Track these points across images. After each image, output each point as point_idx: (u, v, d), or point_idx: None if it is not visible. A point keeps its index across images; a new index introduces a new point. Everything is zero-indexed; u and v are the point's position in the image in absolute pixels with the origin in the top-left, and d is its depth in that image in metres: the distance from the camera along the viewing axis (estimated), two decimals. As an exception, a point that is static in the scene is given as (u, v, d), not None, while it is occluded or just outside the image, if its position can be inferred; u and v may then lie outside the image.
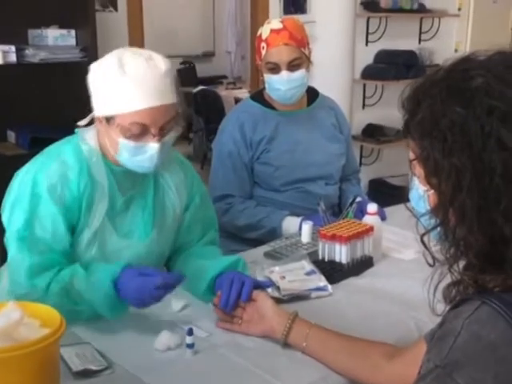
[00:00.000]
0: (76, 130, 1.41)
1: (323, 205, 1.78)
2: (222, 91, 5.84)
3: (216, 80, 6.66)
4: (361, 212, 1.84)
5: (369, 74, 4.30)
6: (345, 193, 2.16)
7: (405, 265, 1.70)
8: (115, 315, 1.29)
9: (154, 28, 5.50)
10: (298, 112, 2.07)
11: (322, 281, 1.50)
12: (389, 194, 4.04)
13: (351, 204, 1.81)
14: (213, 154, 2.13)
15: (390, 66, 4.22)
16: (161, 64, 1.32)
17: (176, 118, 1.36)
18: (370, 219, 1.67)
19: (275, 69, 1.94)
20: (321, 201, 1.79)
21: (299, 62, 1.93)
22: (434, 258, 0.83)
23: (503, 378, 0.71)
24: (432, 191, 0.83)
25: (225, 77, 7.02)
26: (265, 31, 1.96)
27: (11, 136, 2.91)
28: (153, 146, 1.31)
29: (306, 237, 1.74)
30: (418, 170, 0.84)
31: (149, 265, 1.44)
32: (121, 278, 1.27)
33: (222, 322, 1.33)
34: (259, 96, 2.09)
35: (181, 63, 6.90)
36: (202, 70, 6.96)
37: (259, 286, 1.38)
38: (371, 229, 1.63)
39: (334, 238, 1.58)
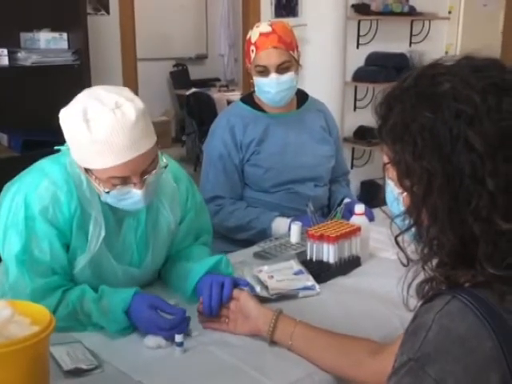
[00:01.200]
0: (63, 148, 1.37)
1: (312, 206, 1.81)
2: (215, 94, 5.87)
3: (209, 82, 6.69)
4: (349, 212, 1.86)
5: (360, 76, 4.33)
6: (334, 194, 2.19)
7: (391, 264, 1.70)
8: (124, 334, 1.31)
9: (146, 31, 5.52)
10: (288, 114, 2.09)
11: (309, 280, 1.52)
12: (381, 195, 4.08)
13: (339, 205, 1.83)
14: (203, 156, 2.15)
15: (380, 68, 4.25)
16: (129, 111, 1.22)
17: (157, 157, 1.31)
18: (358, 219, 1.70)
19: (264, 72, 1.96)
20: (309, 202, 1.81)
21: (288, 64, 1.96)
22: (407, 257, 0.86)
23: (473, 369, 0.73)
24: (405, 193, 0.85)
25: (218, 79, 7.04)
26: (254, 35, 1.98)
27: (3, 138, 2.93)
28: (136, 193, 1.28)
29: (294, 237, 1.76)
30: (392, 173, 0.87)
31: (144, 281, 1.47)
32: (131, 307, 1.28)
33: (209, 322, 1.35)
34: (249, 99, 2.11)
35: (173, 66, 6.93)
36: (195, 72, 6.99)
37: (238, 284, 1.39)
38: (358, 229, 1.66)
39: (321, 238, 1.60)
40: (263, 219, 1.99)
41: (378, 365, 1.11)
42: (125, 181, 1.28)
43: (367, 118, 4.61)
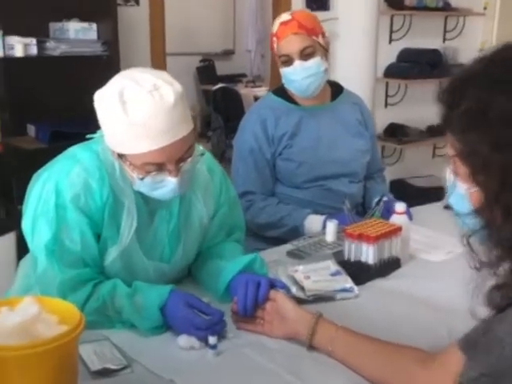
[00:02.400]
0: (95, 136, 1.32)
1: (348, 203, 1.73)
2: (242, 89, 5.80)
3: (235, 78, 6.62)
4: (387, 211, 1.79)
5: (392, 72, 4.22)
6: (369, 191, 2.11)
7: (433, 266, 1.64)
8: (156, 333, 1.25)
9: (174, 24, 5.47)
10: (321, 107, 2.02)
11: (347, 282, 1.44)
12: (411, 195, 3.97)
13: (378, 203, 1.75)
14: (234, 150, 2.08)
15: (413, 64, 4.15)
16: (168, 94, 1.16)
17: (193, 144, 1.24)
18: (398, 219, 1.62)
19: (288, 61, 1.90)
20: (346, 199, 1.73)
21: (311, 50, 1.88)
22: (478, 260, 0.77)
23: None
24: (475, 189, 0.77)
25: (244, 75, 6.97)
26: (275, 26, 1.94)
27: (31, 130, 2.90)
28: (171, 181, 1.22)
29: (330, 236, 1.68)
30: (459, 166, 0.79)
31: (174, 278, 1.41)
32: (167, 304, 1.23)
33: (243, 323, 1.28)
34: (281, 91, 2.04)
35: (200, 61, 6.87)
36: (222, 68, 6.92)
37: (275, 285, 1.32)
38: (399, 229, 1.57)
39: (360, 237, 1.52)
40: (295, 216, 1.92)
41: (428, 375, 1.03)
42: (160, 168, 1.22)
43: (398, 115, 4.51)
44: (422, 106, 4.47)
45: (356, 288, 1.44)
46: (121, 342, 1.21)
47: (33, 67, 2.78)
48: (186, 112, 1.22)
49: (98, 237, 1.30)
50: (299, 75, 1.90)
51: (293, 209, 1.94)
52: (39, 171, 1.34)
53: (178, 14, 6.02)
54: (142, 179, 1.23)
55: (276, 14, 4.15)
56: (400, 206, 1.63)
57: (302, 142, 1.97)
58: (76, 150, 1.33)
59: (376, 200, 1.94)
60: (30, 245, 1.32)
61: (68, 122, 2.73)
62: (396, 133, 4.21)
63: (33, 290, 1.34)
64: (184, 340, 1.20)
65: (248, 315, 1.26)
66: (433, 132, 4.48)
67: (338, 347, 1.15)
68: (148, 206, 1.34)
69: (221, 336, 1.21)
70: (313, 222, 1.88)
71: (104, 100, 1.20)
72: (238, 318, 1.28)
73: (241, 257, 1.43)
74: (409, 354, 1.10)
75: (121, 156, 1.24)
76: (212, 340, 1.17)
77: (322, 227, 1.84)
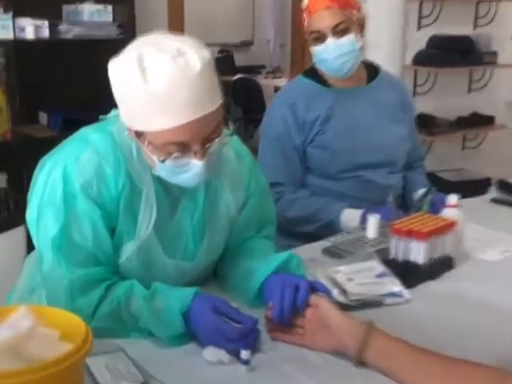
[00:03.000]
0: (111, 114, 1.16)
1: (392, 197, 1.54)
2: (262, 80, 5.63)
3: (254, 69, 6.45)
4: (431, 206, 1.61)
5: (421, 60, 4.01)
6: (410, 183, 1.92)
7: (488, 267, 1.45)
8: (178, 344, 1.08)
9: (193, 15, 5.30)
10: (357, 89, 1.83)
11: (396, 285, 1.26)
12: (441, 190, 3.77)
13: (426, 195, 1.56)
14: (260, 137, 1.90)
15: (443, 51, 3.93)
16: (194, 60, 1.00)
17: (221, 122, 1.08)
18: (451, 212, 1.43)
19: (320, 38, 1.72)
20: (390, 192, 1.55)
21: (345, 25, 1.70)
22: None
23: None
24: None
25: (263, 66, 6.79)
26: (305, 0, 1.76)
27: (43, 117, 2.75)
28: (196, 165, 1.06)
29: (372, 232, 1.49)
30: None
31: (197, 278, 1.24)
32: (192, 309, 1.06)
33: (279, 333, 1.10)
34: (312, 72, 1.85)
35: (218, 52, 6.70)
36: (240, 59, 6.75)
37: (316, 289, 1.14)
38: (452, 224, 1.38)
39: (409, 233, 1.33)
40: (330, 210, 1.73)
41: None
42: (183, 149, 1.05)
43: (428, 105, 4.28)
44: (451, 95, 4.28)
45: (406, 292, 1.25)
46: (137, 355, 1.04)
47: (44, 51, 2.63)
48: (215, 83, 1.05)
49: (111, 231, 1.13)
50: (332, 53, 1.72)
51: (327, 202, 1.76)
52: (46, 156, 1.18)
53: (196, 4, 5.85)
54: (162, 162, 1.05)
55: (296, 3, 3.99)
56: (453, 198, 1.44)
57: (337, 128, 1.79)
58: (87, 132, 1.16)
59: (423, 191, 1.76)
60: (34, 240, 1.15)
61: (81, 109, 2.56)
62: (425, 124, 3.99)
63: (37, 293, 1.18)
64: (211, 353, 1.02)
65: (285, 323, 1.09)
66: (462, 123, 4.27)
67: (396, 364, 0.97)
68: (169, 195, 1.17)
69: (254, 348, 1.03)
70: (350, 216, 1.70)
71: (120, 68, 1.03)
72: (273, 326, 1.10)
73: (274, 255, 1.25)
74: (481, 373, 0.92)
75: (139, 135, 1.07)
76: (245, 354, 1.00)
77: (359, 222, 1.66)
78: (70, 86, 2.73)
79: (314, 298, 1.09)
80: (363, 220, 1.64)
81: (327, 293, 1.14)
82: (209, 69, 1.03)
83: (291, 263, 1.22)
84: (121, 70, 1.03)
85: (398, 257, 1.35)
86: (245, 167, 1.29)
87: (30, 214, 1.14)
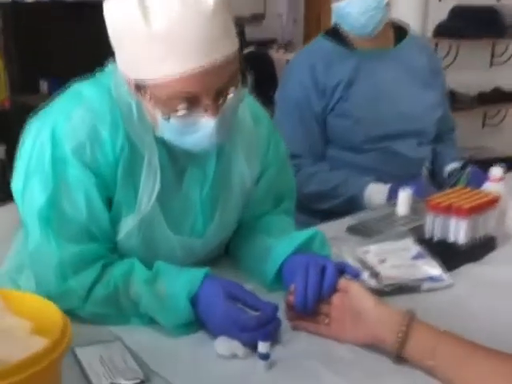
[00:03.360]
0: (107, 67, 1.00)
1: (426, 169, 1.37)
2: (274, 54, 5.43)
3: (265, 43, 6.25)
4: (470, 181, 1.46)
5: (442, 31, 3.81)
6: (440, 157, 1.75)
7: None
8: (184, 333, 0.93)
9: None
10: (383, 51, 1.67)
11: (435, 267, 1.10)
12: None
13: (464, 167, 1.40)
14: (276, 105, 1.74)
15: (467, 23, 3.73)
16: None
17: (238, 72, 0.92)
18: (494, 187, 1.26)
19: None
20: (424, 164, 1.38)
21: None
22: None
23: None
24: None
25: (275, 40, 6.58)
26: None
27: (44, 86, 2.60)
28: (207, 124, 0.90)
29: (403, 208, 1.34)
30: None
31: (206, 257, 1.09)
32: (201, 294, 0.91)
33: (301, 321, 0.95)
34: (333, 33, 1.69)
35: (229, 25, 6.51)
36: (251, 32, 6.53)
37: (345, 271, 0.98)
38: (496, 200, 1.22)
39: (449, 210, 1.17)
40: (353, 184, 1.58)
41: None
42: (192, 103, 0.89)
43: (448, 79, 4.08)
44: (474, 69, 4.07)
45: (446, 276, 1.10)
46: (137, 345, 0.89)
47: (45, 15, 2.46)
48: (230, 24, 0.89)
49: (108, 202, 0.97)
50: (355, 7, 1.55)
51: (349, 176, 1.60)
52: (34, 117, 1.02)
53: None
54: (167, 119, 0.90)
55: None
56: (497, 171, 1.27)
57: (360, 94, 1.62)
58: (80, 86, 1.00)
59: (456, 166, 1.61)
60: (20, 212, 1.00)
61: (85, 77, 2.40)
62: (448, 100, 3.80)
63: (26, 273, 1.03)
64: (223, 345, 0.87)
65: (309, 310, 0.93)
66: (484, 99, 4.08)
67: (443, 361, 0.81)
68: (175, 162, 1.01)
69: (274, 340, 0.88)
70: (375, 191, 1.54)
71: (118, 7, 0.87)
72: (295, 314, 0.95)
73: (295, 233, 1.10)
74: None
75: (139, 88, 0.91)
76: (263, 347, 0.84)
77: (386, 199, 1.50)
78: (73, 51, 2.56)
79: (343, 282, 0.93)
80: (391, 196, 1.49)
81: (358, 276, 0.98)
82: (222, 7, 0.86)
83: (314, 242, 1.06)
84: (118, 10, 0.87)
85: (435, 236, 1.19)
86: (263, 132, 1.12)
87: (16, 183, 0.99)
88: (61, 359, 0.57)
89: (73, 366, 0.84)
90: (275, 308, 0.90)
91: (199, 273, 0.93)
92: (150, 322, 0.94)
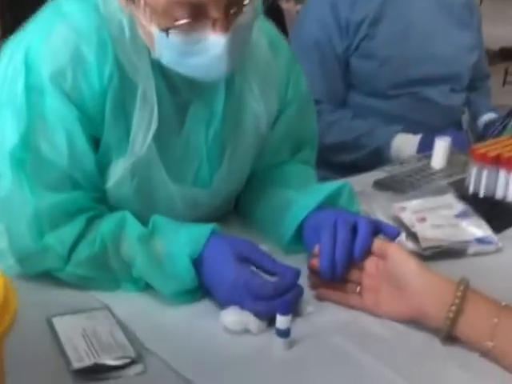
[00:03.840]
0: None
1: (466, 117, 1.20)
2: (284, 4, 5.17)
3: (275, -6, 5.97)
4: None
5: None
6: (474, 106, 1.57)
7: None
8: (186, 302, 0.77)
9: None
10: None
11: (482, 228, 0.93)
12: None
13: (509, 115, 1.22)
14: (292, 45, 1.55)
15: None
16: None
17: None
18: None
19: None
20: (465, 109, 1.20)
21: None
22: None
23: None
24: None
25: (284, -9, 6.29)
26: None
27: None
28: (216, 42, 0.73)
29: (440, 160, 1.16)
30: None
31: (213, 212, 0.92)
32: (206, 256, 0.75)
33: (327, 289, 0.79)
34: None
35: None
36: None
37: (380, 231, 0.81)
38: (552, 151, 1.04)
39: (498, 161, 1.00)
40: (378, 134, 1.41)
41: None
42: (197, 15, 0.71)
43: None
44: (496, 23, 3.83)
45: (495, 238, 0.93)
46: (128, 316, 0.73)
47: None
48: None
49: (95, 142, 0.80)
50: None
51: (374, 125, 1.43)
52: (10, 39, 0.84)
53: None
54: (165, 32, 0.72)
55: None
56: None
57: (388, 31, 1.44)
58: (61, 1, 0.82)
59: (493, 117, 1.45)
60: None
61: None
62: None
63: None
64: (232, 318, 0.71)
65: (337, 277, 0.77)
66: (506, 55, 3.85)
67: (506, 344, 0.66)
68: (176, 95, 0.83)
69: (293, 313, 0.72)
70: (404, 142, 1.37)
71: None
72: (320, 281, 0.79)
73: (318, 185, 0.93)
74: None
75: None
76: (282, 321, 0.68)
77: (416, 150, 1.33)
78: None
79: (379, 243, 0.76)
80: (421, 148, 1.32)
81: (397, 236, 0.81)
82: None
83: (342, 196, 0.89)
84: None
85: (480, 192, 1.02)
86: (281, 63, 0.94)
87: None
88: (2, 341, 0.41)
89: (48, 341, 0.69)
90: (296, 273, 0.73)
91: (205, 229, 0.77)
92: (145, 288, 0.78)
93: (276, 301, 0.70)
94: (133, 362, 0.66)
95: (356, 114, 1.47)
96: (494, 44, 3.79)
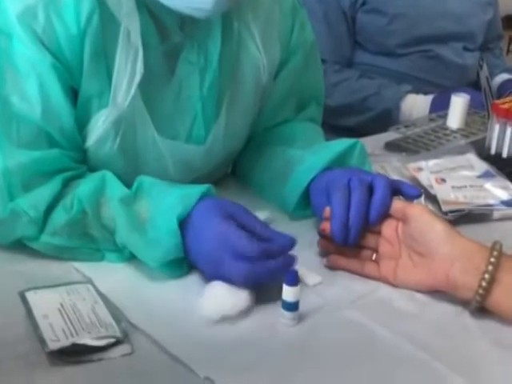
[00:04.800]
0: None
1: (487, 71, 1.10)
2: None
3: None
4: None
5: None
6: (488, 66, 1.47)
7: None
8: (175, 275, 0.68)
9: None
10: None
11: (508, 189, 0.84)
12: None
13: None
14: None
15: None
16: None
17: None
18: None
19: None
20: (484, 64, 1.11)
21: None
22: None
23: None
24: None
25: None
26: None
27: None
28: None
29: (457, 119, 1.07)
30: None
31: (208, 174, 0.83)
32: (192, 219, 0.65)
33: (340, 257, 0.70)
34: None
35: None
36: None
37: (399, 191, 0.72)
38: None
39: (523, 116, 0.90)
40: (387, 95, 1.33)
41: None
42: None
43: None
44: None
45: (522, 200, 0.84)
46: (113, 291, 0.64)
47: None
48: None
49: (73, 92, 0.71)
50: None
51: (382, 85, 1.35)
52: None
53: None
54: None
55: None
56: None
57: (397, -15, 1.33)
58: None
59: (506, 77, 1.36)
60: None
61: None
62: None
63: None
64: (210, 304, 0.61)
65: (351, 242, 0.68)
66: (510, 22, 3.72)
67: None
68: (165, 38, 0.74)
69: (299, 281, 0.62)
70: (415, 103, 1.29)
71: None
72: (331, 246, 0.70)
73: (327, 143, 0.83)
74: None
75: None
76: (289, 292, 0.59)
77: (428, 112, 1.24)
78: None
79: (399, 204, 0.67)
80: (435, 108, 1.23)
81: (418, 197, 0.72)
82: None
83: (353, 155, 0.80)
84: None
85: (504, 152, 0.93)
86: (285, 6, 0.84)
87: None
88: None
89: (20, 317, 0.60)
90: (291, 239, 0.64)
91: (195, 190, 0.67)
92: (131, 258, 0.69)
93: (259, 264, 0.60)
94: (118, 342, 0.57)
95: (363, 74, 1.38)
96: (499, 11, 3.67)
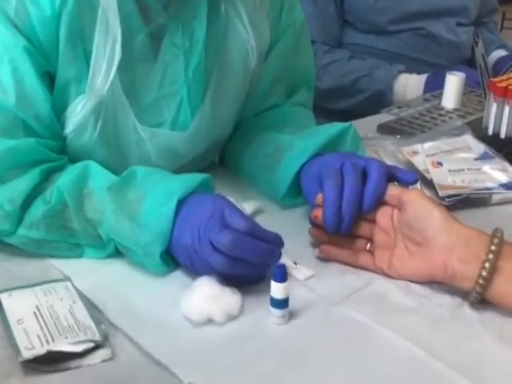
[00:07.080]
0: None
1: (482, 47, 1.06)
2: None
3: None
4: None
5: None
6: (483, 42, 1.43)
7: None
8: (164, 272, 0.64)
9: None
10: None
11: (507, 172, 0.81)
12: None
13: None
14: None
15: None
16: None
17: None
18: None
19: None
20: (479, 40, 1.07)
21: None
22: None
23: None
24: None
25: None
26: None
27: None
28: None
29: (452, 98, 1.03)
30: None
31: (192, 162, 0.79)
32: (187, 203, 0.62)
33: (332, 246, 0.66)
34: None
35: None
36: None
37: (394, 177, 0.68)
38: None
39: (522, 95, 0.87)
40: (378, 76, 1.29)
41: None
42: None
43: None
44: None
45: (522, 183, 0.81)
46: (93, 290, 0.61)
47: None
48: None
49: (49, 78, 0.67)
50: None
51: (374, 65, 1.30)
52: None
53: None
54: None
55: None
56: None
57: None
58: None
59: (503, 54, 1.33)
60: None
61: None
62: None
63: None
64: (193, 306, 0.57)
65: (344, 231, 0.64)
66: (504, -2, 3.66)
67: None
68: (147, 19, 0.70)
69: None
70: (408, 83, 1.25)
71: None
72: (323, 235, 0.66)
73: (319, 127, 0.80)
74: None
75: None
76: (278, 289, 0.55)
77: (422, 92, 1.20)
78: None
79: (395, 190, 0.64)
80: (429, 88, 1.19)
81: (415, 182, 0.68)
82: None
83: (345, 141, 0.76)
84: None
85: (502, 132, 0.89)
86: None
87: None
88: None
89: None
90: (280, 239, 0.59)
91: (194, 178, 0.64)
92: (114, 254, 0.66)
93: (245, 238, 0.56)
94: (97, 347, 0.54)
95: (353, 54, 1.34)
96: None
